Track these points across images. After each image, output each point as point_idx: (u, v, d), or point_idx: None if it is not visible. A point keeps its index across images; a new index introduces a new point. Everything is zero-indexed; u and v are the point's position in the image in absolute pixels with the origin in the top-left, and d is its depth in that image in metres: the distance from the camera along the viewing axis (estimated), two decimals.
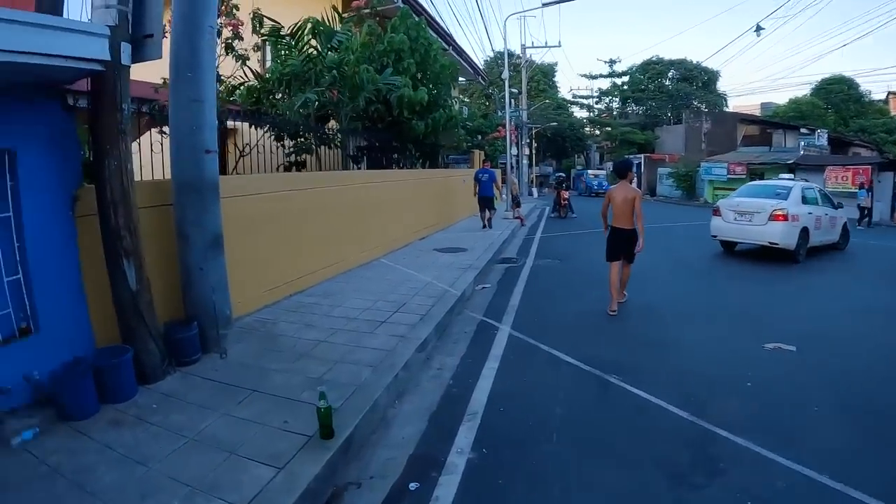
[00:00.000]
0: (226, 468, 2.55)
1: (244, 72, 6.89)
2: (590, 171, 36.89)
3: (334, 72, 7.46)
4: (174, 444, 2.77)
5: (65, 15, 3.71)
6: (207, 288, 4.06)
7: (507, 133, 15.00)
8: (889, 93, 38.45)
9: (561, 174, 20.26)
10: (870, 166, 20.27)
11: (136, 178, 3.67)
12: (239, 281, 4.66)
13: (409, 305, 5.52)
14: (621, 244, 5.83)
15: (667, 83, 44.63)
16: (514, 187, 15.63)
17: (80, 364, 3.16)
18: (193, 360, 3.88)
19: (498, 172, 15.04)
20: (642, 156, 35.91)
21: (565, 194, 17.27)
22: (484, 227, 11.83)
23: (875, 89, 69.09)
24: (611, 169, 23.68)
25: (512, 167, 28.87)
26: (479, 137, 19.45)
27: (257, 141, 6.32)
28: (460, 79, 22.44)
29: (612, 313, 5.68)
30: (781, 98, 45.32)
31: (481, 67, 24.45)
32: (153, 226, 3.96)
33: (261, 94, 7.67)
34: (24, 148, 3.14)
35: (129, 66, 3.36)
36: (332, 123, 8.70)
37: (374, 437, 3.13)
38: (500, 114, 25.27)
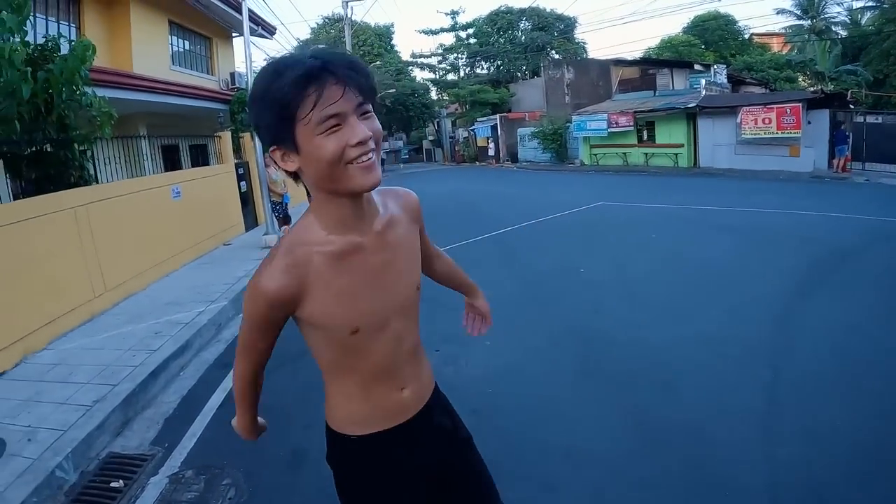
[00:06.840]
0: None
1: None
2: None
3: None
4: None
5: None
6: None
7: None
8: (752, 34, 36.38)
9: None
10: (799, 103, 15.91)
11: None
12: None
13: None
14: None
15: (519, 34, 39.55)
16: (277, 188, 8.37)
17: None
18: None
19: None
20: (497, 116, 30.41)
21: None
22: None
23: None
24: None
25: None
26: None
27: None
28: (234, 34, 14.64)
29: None
30: (645, 38, 41.69)
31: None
32: None
33: None
34: None
35: None
36: None
37: None
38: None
